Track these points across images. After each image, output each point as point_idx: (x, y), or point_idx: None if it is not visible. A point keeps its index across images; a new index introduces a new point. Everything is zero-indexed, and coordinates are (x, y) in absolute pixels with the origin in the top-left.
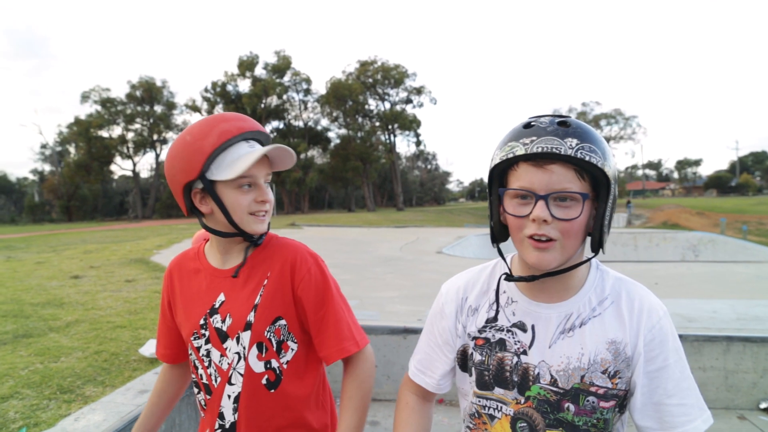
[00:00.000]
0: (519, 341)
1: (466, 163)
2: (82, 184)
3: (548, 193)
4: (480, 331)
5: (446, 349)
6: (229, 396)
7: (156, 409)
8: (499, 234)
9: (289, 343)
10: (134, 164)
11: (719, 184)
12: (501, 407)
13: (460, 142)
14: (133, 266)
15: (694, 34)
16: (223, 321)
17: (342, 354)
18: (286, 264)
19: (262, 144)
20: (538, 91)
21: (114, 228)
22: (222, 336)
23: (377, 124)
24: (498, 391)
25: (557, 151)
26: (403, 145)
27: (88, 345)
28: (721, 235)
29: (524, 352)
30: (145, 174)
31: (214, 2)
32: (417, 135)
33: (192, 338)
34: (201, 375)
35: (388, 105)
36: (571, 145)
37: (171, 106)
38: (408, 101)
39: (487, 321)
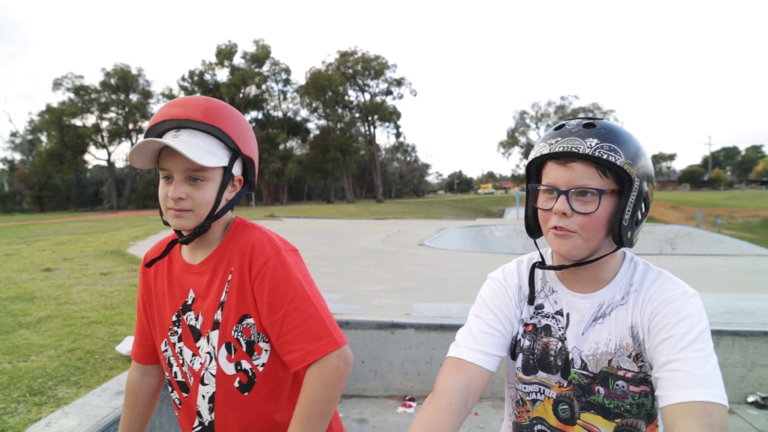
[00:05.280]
0: (562, 327)
1: (445, 155)
2: (54, 174)
3: (569, 188)
4: (531, 318)
5: (505, 331)
6: (203, 396)
7: (134, 412)
8: (535, 227)
9: (261, 344)
10: (109, 154)
11: (692, 178)
12: (544, 390)
13: (440, 134)
14: (108, 258)
15: (671, 31)
16: (196, 318)
17: (311, 356)
18: (245, 256)
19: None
20: (518, 84)
21: (88, 219)
22: (195, 334)
23: (357, 115)
24: (541, 375)
25: (576, 150)
26: (383, 137)
27: (61, 342)
28: (697, 228)
29: (567, 338)
30: (120, 164)
31: None
32: (397, 126)
33: (169, 333)
34: (176, 373)
35: (368, 96)
36: (590, 144)
37: (147, 94)
38: (388, 93)
39: (536, 308)
